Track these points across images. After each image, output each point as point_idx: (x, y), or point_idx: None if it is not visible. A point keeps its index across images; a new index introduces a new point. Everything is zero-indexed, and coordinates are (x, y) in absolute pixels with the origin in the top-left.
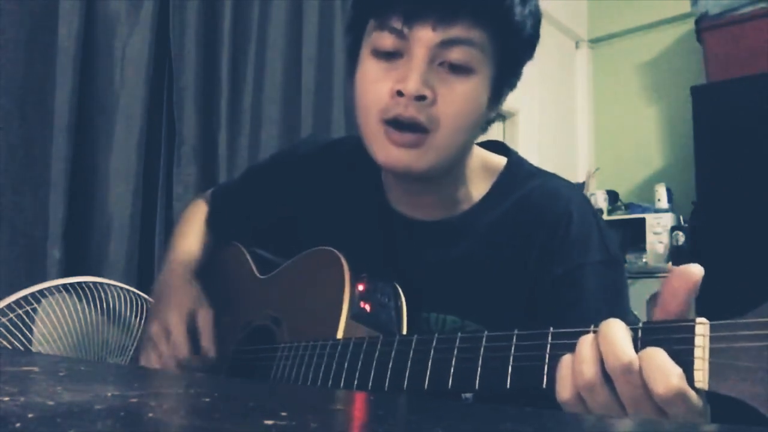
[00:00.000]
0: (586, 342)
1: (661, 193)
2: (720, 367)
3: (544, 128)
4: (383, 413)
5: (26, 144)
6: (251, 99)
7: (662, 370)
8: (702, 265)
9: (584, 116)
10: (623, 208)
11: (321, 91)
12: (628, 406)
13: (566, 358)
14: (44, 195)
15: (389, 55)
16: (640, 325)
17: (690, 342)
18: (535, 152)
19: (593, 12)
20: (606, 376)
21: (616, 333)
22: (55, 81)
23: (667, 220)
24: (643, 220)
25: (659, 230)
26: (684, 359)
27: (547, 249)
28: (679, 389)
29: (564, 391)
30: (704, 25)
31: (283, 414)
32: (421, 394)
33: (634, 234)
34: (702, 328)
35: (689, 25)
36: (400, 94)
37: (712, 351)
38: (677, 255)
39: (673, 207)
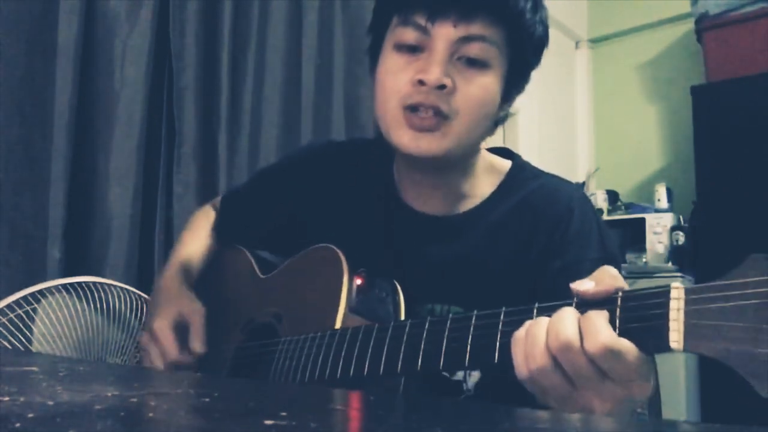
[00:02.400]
0: (540, 325)
1: (661, 193)
2: (695, 327)
3: (544, 128)
4: (383, 413)
5: (26, 144)
6: (251, 99)
7: (595, 328)
8: (702, 265)
9: (584, 116)
10: (623, 208)
11: (321, 91)
12: (576, 380)
13: (519, 338)
14: (44, 195)
15: (411, 49)
16: (620, 294)
17: (665, 306)
18: (535, 152)
19: (593, 12)
20: (555, 358)
21: (564, 318)
22: (55, 81)
23: (667, 220)
24: (643, 220)
25: (659, 230)
26: (659, 322)
27: (548, 244)
28: (606, 345)
29: (521, 372)
30: (704, 25)
31: (283, 414)
32: (415, 374)
33: (634, 234)
34: (677, 291)
35: (689, 25)
36: (421, 83)
37: (686, 313)
38: (677, 255)
39: (673, 207)
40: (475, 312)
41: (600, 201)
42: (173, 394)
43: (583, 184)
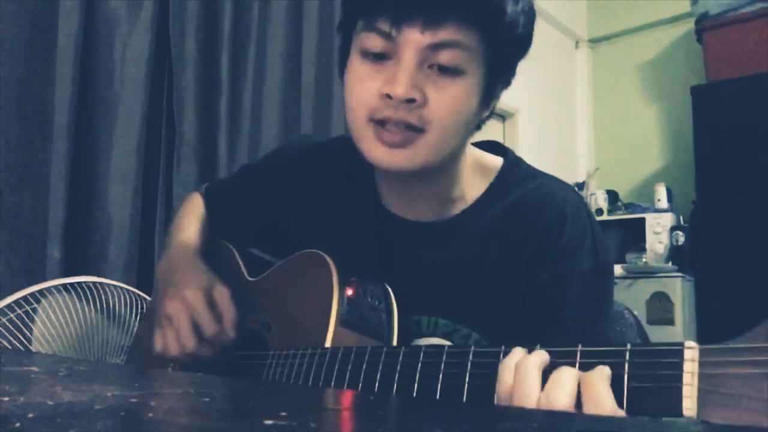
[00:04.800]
0: (533, 377)
1: (660, 193)
2: (709, 393)
3: (544, 128)
4: (383, 413)
5: (26, 144)
6: (251, 99)
7: (598, 397)
8: (702, 264)
9: (584, 116)
10: (623, 208)
11: (321, 91)
12: None
13: (508, 370)
14: (44, 195)
15: (378, 57)
16: (629, 347)
17: (678, 367)
18: (535, 152)
19: (593, 12)
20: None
21: (562, 383)
22: (55, 81)
23: (667, 219)
24: (643, 219)
25: (659, 230)
26: (671, 385)
27: (539, 252)
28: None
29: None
30: (704, 25)
31: (283, 414)
32: None
33: (634, 234)
34: (691, 352)
35: (689, 25)
36: (388, 96)
37: (701, 377)
38: (677, 255)
39: (673, 207)
40: (472, 348)
41: (600, 201)
42: (173, 394)
43: (583, 184)
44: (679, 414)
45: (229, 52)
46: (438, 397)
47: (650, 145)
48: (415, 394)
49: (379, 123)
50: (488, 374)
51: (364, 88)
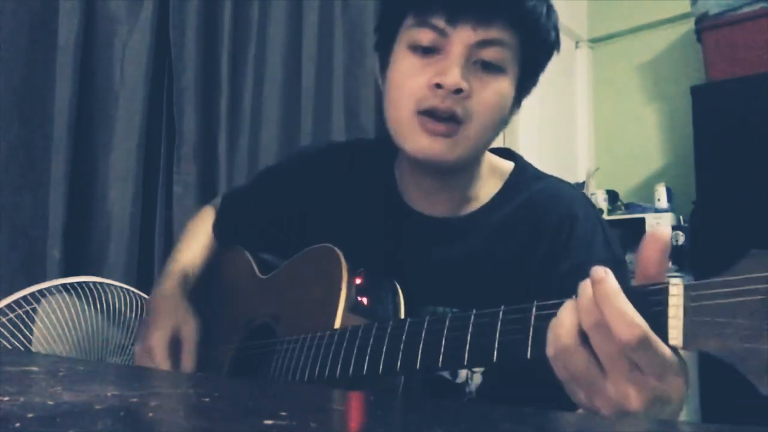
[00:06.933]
0: (565, 307)
1: (661, 193)
2: (694, 324)
3: (544, 128)
4: (383, 413)
5: (26, 144)
6: (251, 99)
7: (624, 317)
8: (702, 265)
9: (584, 116)
10: (623, 208)
11: (321, 91)
12: (606, 365)
13: (551, 322)
14: (44, 195)
15: (426, 51)
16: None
17: (664, 302)
18: (535, 152)
19: (593, 12)
20: (583, 338)
21: (589, 289)
22: (55, 81)
23: (667, 220)
24: (643, 220)
25: None
26: (658, 318)
27: (552, 248)
28: (641, 336)
29: (549, 353)
30: (704, 25)
31: (283, 414)
32: (414, 373)
33: (634, 234)
34: (676, 288)
35: (689, 25)
36: (438, 86)
37: (686, 309)
38: (677, 255)
39: (673, 207)
40: (474, 311)
41: (600, 201)
42: (173, 394)
43: (583, 184)
44: (666, 345)
45: (229, 52)
46: (441, 361)
47: (650, 145)
48: (419, 360)
49: (425, 114)
50: (489, 333)
51: (414, 80)
